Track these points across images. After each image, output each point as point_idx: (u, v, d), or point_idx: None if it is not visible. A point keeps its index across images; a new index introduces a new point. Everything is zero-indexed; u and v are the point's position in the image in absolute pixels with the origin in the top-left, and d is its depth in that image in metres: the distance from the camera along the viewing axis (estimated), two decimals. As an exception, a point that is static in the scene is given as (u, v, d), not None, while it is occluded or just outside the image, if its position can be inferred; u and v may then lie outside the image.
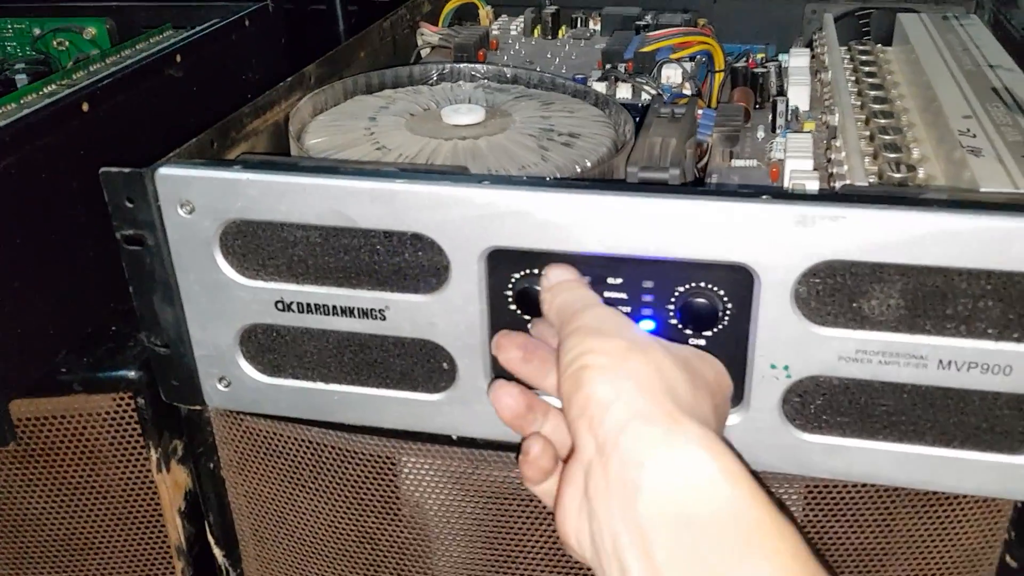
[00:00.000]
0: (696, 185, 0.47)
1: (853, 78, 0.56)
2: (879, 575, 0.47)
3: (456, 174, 0.41)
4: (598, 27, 0.70)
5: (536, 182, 0.38)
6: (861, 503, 0.44)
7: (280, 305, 0.42)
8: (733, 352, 0.38)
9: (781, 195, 0.36)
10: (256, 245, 0.41)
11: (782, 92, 0.57)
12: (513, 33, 0.70)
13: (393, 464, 0.48)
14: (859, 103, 0.52)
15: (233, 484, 0.51)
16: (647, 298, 0.38)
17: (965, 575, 0.47)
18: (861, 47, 0.61)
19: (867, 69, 0.57)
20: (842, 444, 0.39)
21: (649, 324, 0.39)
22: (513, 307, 0.40)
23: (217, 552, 0.53)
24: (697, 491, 0.29)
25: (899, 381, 0.37)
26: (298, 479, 0.50)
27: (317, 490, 0.50)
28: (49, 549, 0.55)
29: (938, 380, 0.36)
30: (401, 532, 0.50)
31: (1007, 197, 0.39)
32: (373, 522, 0.50)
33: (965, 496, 0.43)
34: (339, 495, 0.50)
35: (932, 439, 0.38)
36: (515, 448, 0.44)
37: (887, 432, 0.38)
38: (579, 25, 0.70)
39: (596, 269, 0.38)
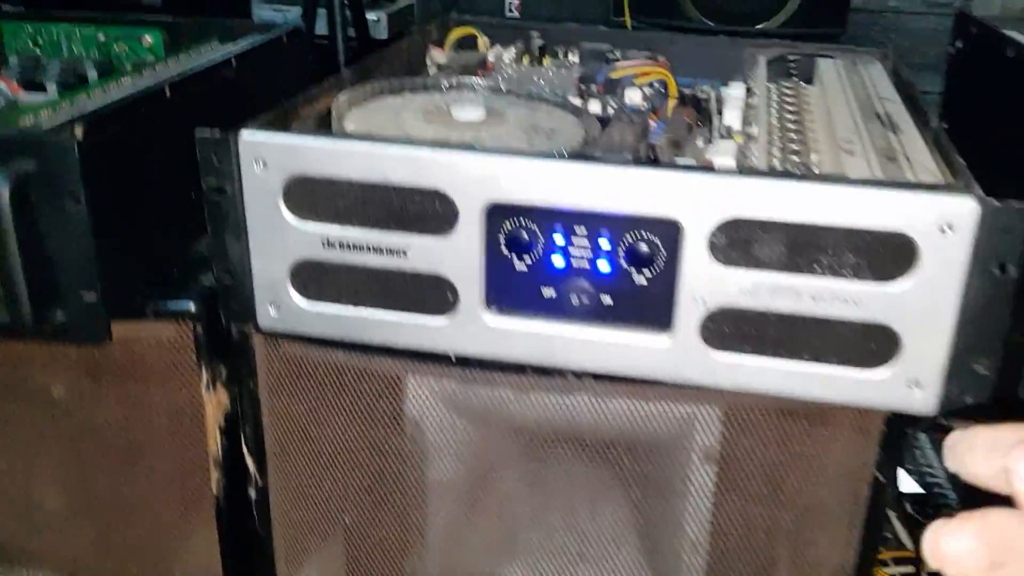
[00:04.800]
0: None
1: (776, 106, 0.70)
2: (780, 486, 0.60)
3: (466, 146, 0.55)
4: (576, 59, 0.84)
5: (526, 153, 0.52)
6: (765, 423, 0.58)
7: (325, 243, 0.55)
8: (665, 287, 0.52)
9: (703, 169, 0.50)
10: (311, 195, 0.54)
11: (720, 114, 0.71)
12: (505, 60, 0.84)
13: (400, 383, 0.61)
14: (777, 123, 0.66)
15: (267, 403, 0.64)
16: (604, 245, 0.52)
17: (847, 487, 0.60)
18: (786, 83, 0.76)
19: (788, 99, 0.71)
20: (745, 361, 0.52)
21: (605, 265, 0.52)
22: (504, 249, 0.53)
23: (249, 462, 0.65)
24: None
25: (783, 311, 0.51)
26: (321, 398, 0.62)
27: (336, 407, 0.62)
28: (107, 456, 0.67)
29: (810, 310, 0.50)
30: (403, 444, 0.62)
31: (863, 179, 0.53)
32: (380, 435, 0.62)
33: (842, 419, 0.57)
34: (354, 411, 0.62)
35: (810, 357, 0.52)
36: (503, 368, 0.57)
37: (778, 351, 0.52)
38: (560, 56, 0.85)
39: (566, 219, 0.52)
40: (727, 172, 0.49)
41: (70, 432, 0.66)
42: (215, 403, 0.64)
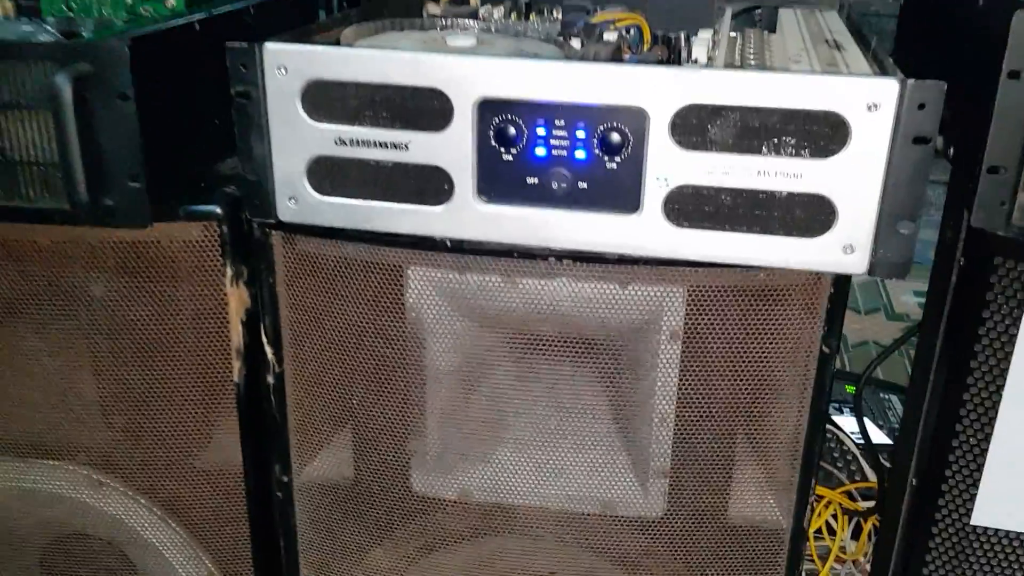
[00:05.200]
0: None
1: (739, 45, 0.79)
2: (738, 361, 0.68)
3: (460, 50, 0.63)
4: (559, 15, 0.93)
5: (513, 54, 0.60)
6: (724, 300, 0.65)
7: (338, 141, 0.63)
8: (634, 170, 0.60)
9: (665, 63, 0.58)
10: (326, 97, 0.62)
11: (688, 53, 0.80)
12: (495, 15, 0.93)
13: (401, 273, 0.68)
14: (739, 56, 0.75)
15: (284, 296, 0.72)
16: (580, 134, 0.60)
17: (798, 358, 0.67)
18: (751, 30, 0.84)
19: (751, 39, 0.80)
20: (704, 235, 0.60)
21: (581, 153, 0.61)
22: (493, 142, 0.61)
23: (268, 350, 0.73)
24: None
25: (735, 187, 0.59)
26: (332, 289, 0.70)
27: (345, 297, 0.70)
28: (138, 350, 0.74)
29: (759, 185, 0.58)
30: (404, 331, 0.70)
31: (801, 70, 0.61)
32: (384, 323, 0.70)
33: (791, 298, 0.65)
34: (360, 301, 0.70)
35: (760, 229, 0.60)
36: (493, 252, 0.65)
37: (732, 225, 0.60)
38: (545, 13, 0.93)
39: (547, 113, 0.60)
40: (687, 66, 0.57)
41: (105, 328, 0.73)
42: (237, 298, 0.72)
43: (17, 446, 0.80)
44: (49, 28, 0.79)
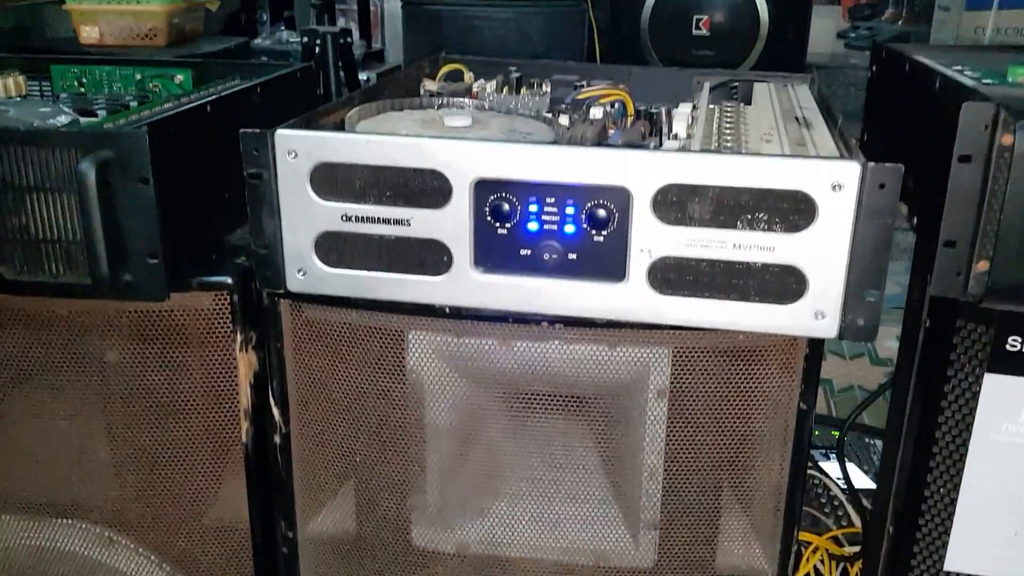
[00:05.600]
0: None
1: (717, 118, 0.84)
2: (722, 417, 0.72)
3: (458, 135, 0.68)
4: (549, 88, 0.98)
5: (506, 133, 0.65)
6: (707, 360, 0.70)
7: (344, 217, 0.68)
8: (619, 243, 0.64)
9: (645, 147, 0.63)
10: (333, 178, 0.67)
11: (669, 127, 0.85)
12: (487, 90, 0.98)
13: (402, 337, 0.73)
14: (716, 130, 0.80)
15: (291, 360, 0.76)
16: (569, 210, 0.65)
17: (778, 413, 0.72)
18: (727, 103, 0.90)
19: (727, 113, 0.85)
20: (685, 301, 0.65)
21: (571, 227, 0.65)
22: (489, 218, 0.66)
23: (275, 411, 0.77)
24: None
25: (713, 259, 0.63)
26: (337, 353, 0.74)
27: (349, 360, 0.74)
28: (151, 413, 0.78)
29: (735, 256, 0.63)
30: (405, 390, 0.74)
31: (772, 153, 0.66)
32: (385, 384, 0.74)
33: (770, 357, 0.69)
34: (364, 363, 0.74)
35: (738, 296, 0.64)
36: (489, 318, 0.69)
37: (712, 291, 0.64)
38: (535, 87, 0.99)
39: (539, 191, 0.65)
40: (666, 148, 0.62)
41: (119, 392, 0.77)
42: (246, 363, 0.76)
43: (31, 505, 0.83)
44: (66, 109, 0.84)
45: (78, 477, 0.80)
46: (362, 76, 2.01)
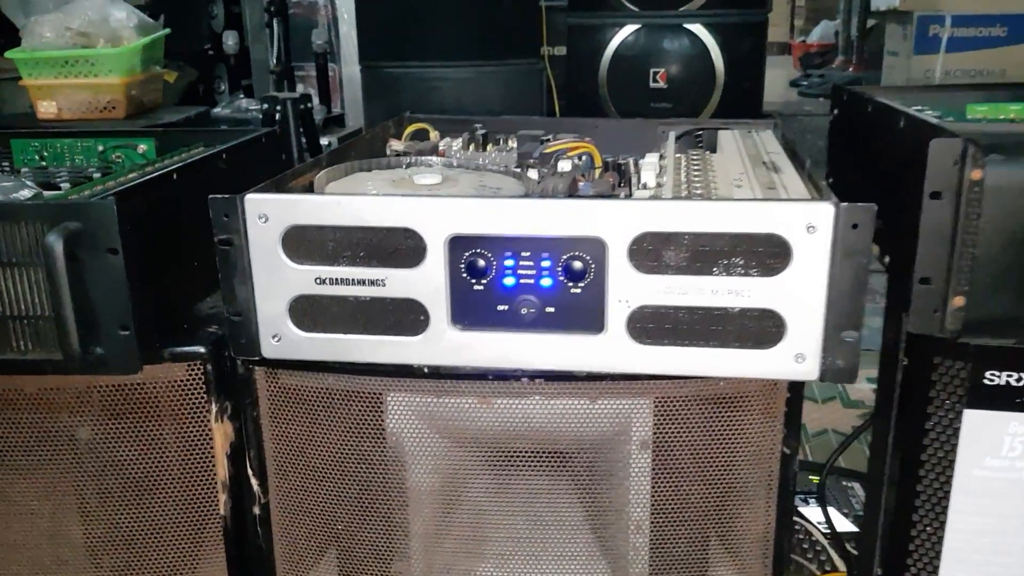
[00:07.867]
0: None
1: (684, 166, 0.85)
2: (706, 464, 0.71)
3: (430, 192, 0.67)
4: (515, 144, 0.99)
5: (477, 189, 0.65)
6: (689, 408, 0.69)
7: (318, 280, 0.67)
8: (597, 294, 0.64)
9: (617, 197, 0.63)
10: (305, 240, 0.66)
11: (638, 177, 0.86)
12: (454, 148, 0.98)
13: (380, 400, 0.71)
14: (684, 178, 0.80)
15: (268, 428, 0.74)
16: (545, 263, 0.65)
17: (761, 459, 0.71)
18: (693, 152, 0.91)
19: (694, 161, 0.86)
20: (665, 350, 0.65)
21: (547, 280, 0.65)
22: (464, 274, 0.66)
23: (253, 481, 0.75)
24: None
25: (691, 306, 0.63)
26: (314, 419, 0.73)
27: (327, 426, 0.73)
28: (126, 487, 0.76)
29: (712, 302, 0.63)
30: (384, 453, 0.73)
31: (745, 198, 0.67)
32: (365, 448, 0.73)
33: (751, 404, 0.69)
34: (341, 427, 0.73)
35: (718, 342, 0.64)
36: (468, 376, 0.69)
37: (691, 339, 0.64)
38: (501, 142, 0.99)
39: (513, 246, 0.64)
40: (638, 197, 0.62)
41: (92, 469, 0.75)
42: (222, 433, 0.74)
43: (1, 590, 0.80)
44: (28, 183, 0.83)
45: (52, 559, 0.77)
46: (323, 141, 2.01)
